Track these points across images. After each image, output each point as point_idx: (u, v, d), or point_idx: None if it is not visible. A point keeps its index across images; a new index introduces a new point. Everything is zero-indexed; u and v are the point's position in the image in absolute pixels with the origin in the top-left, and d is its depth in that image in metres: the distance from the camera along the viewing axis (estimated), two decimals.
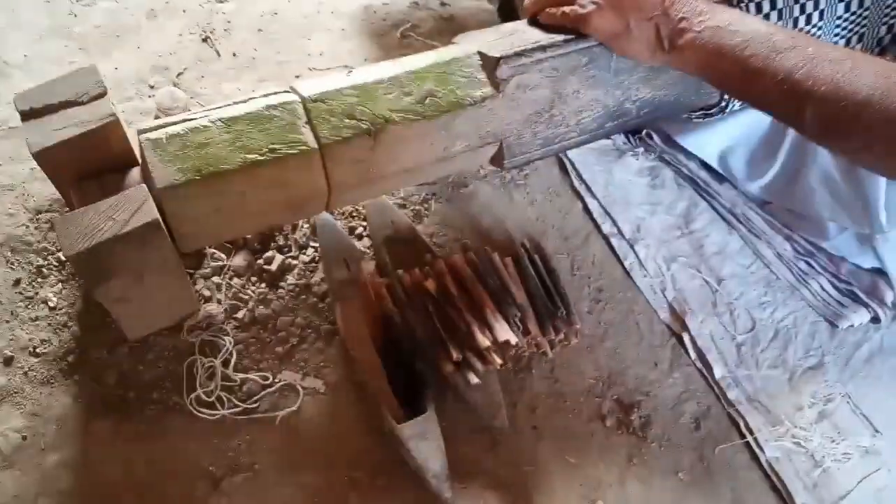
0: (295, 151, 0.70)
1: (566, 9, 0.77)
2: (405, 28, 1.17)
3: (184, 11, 1.13)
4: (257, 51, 1.10)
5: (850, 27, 0.92)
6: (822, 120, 0.64)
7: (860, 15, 0.91)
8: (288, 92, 0.74)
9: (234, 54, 1.09)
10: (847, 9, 0.90)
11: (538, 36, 0.80)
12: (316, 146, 0.71)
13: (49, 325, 0.80)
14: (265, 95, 0.74)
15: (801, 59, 0.65)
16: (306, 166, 0.72)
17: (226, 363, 0.80)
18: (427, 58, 0.79)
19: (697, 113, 0.98)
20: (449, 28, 1.18)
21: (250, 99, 0.73)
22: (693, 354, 0.92)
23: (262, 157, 0.69)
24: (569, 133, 0.86)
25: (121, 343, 0.79)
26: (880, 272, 0.98)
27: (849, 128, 0.63)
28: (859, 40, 0.94)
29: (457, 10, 1.23)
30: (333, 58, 1.11)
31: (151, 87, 1.02)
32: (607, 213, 1.01)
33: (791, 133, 1.00)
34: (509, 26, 0.85)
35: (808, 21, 0.89)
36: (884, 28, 0.94)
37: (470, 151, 0.80)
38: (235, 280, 0.85)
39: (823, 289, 0.98)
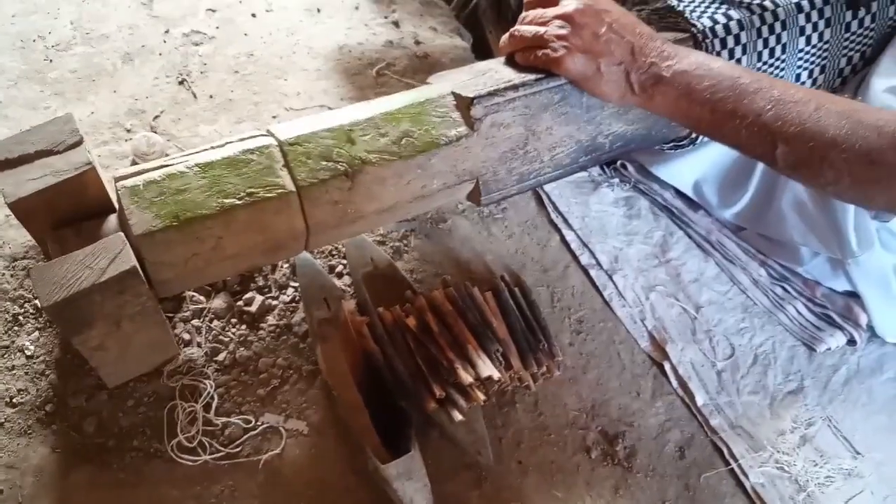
0: (272, 195, 0.71)
1: (539, 52, 0.78)
2: (381, 67, 1.19)
3: (159, 54, 1.14)
4: (234, 92, 1.11)
5: (811, 59, 0.95)
6: (791, 158, 0.67)
7: (821, 48, 0.94)
8: (265, 135, 0.75)
9: (211, 96, 1.10)
10: (808, 42, 0.93)
11: (511, 75, 0.82)
12: (293, 189, 0.71)
13: (26, 373, 0.79)
14: (242, 139, 0.75)
15: (768, 101, 0.67)
16: (284, 209, 0.72)
17: (207, 407, 0.79)
18: (402, 98, 0.80)
19: (669, 145, 1.00)
20: (424, 66, 1.20)
21: (227, 143, 0.74)
22: (675, 383, 0.93)
23: (239, 202, 0.70)
24: (544, 168, 0.88)
25: (100, 390, 0.78)
26: (854, 295, 1.00)
27: (818, 164, 0.66)
28: (821, 71, 0.97)
29: (431, 48, 1.25)
30: (310, 97, 1.12)
31: (128, 130, 1.02)
32: (585, 245, 1.03)
33: None
34: (482, 65, 0.87)
35: (771, 54, 0.92)
36: (844, 60, 0.98)
37: (447, 189, 0.81)
38: (215, 322, 0.85)
39: (799, 313, 1.00)
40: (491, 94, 0.79)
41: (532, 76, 0.81)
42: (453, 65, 1.20)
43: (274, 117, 1.08)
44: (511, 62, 0.84)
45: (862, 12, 0.94)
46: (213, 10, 1.23)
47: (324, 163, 0.73)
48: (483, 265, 0.98)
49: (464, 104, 0.79)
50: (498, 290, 0.90)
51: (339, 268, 0.93)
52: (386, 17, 1.28)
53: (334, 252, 0.95)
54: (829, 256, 1.01)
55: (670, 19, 0.91)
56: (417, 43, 1.25)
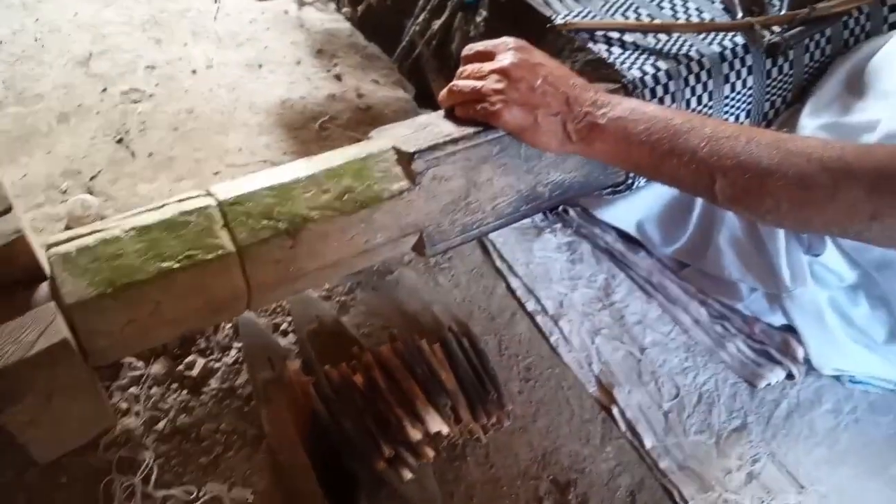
0: (212, 256, 0.69)
1: (477, 107, 0.80)
2: (323, 120, 1.20)
3: (97, 113, 1.12)
4: (174, 149, 1.10)
5: (737, 105, 0.99)
6: (730, 191, 0.70)
7: (745, 94, 0.99)
8: (204, 195, 0.74)
9: (150, 154, 1.08)
10: (733, 89, 0.98)
11: (451, 129, 0.83)
12: (234, 249, 0.71)
13: None
14: (180, 200, 0.74)
15: (702, 138, 0.71)
16: (224, 270, 0.71)
17: (146, 480, 0.76)
18: (344, 154, 0.81)
19: (607, 190, 1.03)
20: (366, 118, 1.21)
21: (165, 205, 0.73)
22: (623, 426, 0.93)
23: (177, 265, 0.68)
24: (486, 219, 0.89)
25: (31, 466, 0.74)
26: (791, 330, 1.03)
27: (756, 194, 0.69)
28: (747, 116, 1.02)
29: (373, 100, 1.26)
30: (252, 153, 1.12)
31: (63, 192, 1.00)
32: (530, 291, 1.04)
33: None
34: (423, 119, 0.88)
35: (698, 102, 0.96)
36: (767, 104, 1.03)
37: (391, 242, 0.81)
38: (155, 389, 0.82)
39: (740, 350, 1.02)
40: (431, 148, 0.80)
41: (471, 129, 0.83)
42: (396, 116, 1.21)
43: (215, 174, 1.07)
44: (451, 115, 0.86)
45: (781, 60, 0.99)
46: (153, 67, 1.23)
47: (265, 221, 0.73)
48: (431, 316, 0.98)
49: (405, 159, 0.80)
50: (446, 341, 0.90)
51: (284, 325, 0.92)
52: (328, 71, 1.29)
53: (278, 310, 0.93)
54: (765, 292, 1.04)
55: (602, 71, 0.95)
56: (360, 96, 1.26)
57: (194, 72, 1.23)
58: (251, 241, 0.71)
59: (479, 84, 0.80)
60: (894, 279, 0.93)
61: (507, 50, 0.80)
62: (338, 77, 1.28)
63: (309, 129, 1.18)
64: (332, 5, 1.44)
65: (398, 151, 0.81)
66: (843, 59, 1.02)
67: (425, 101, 1.31)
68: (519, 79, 0.78)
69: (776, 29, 0.98)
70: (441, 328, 0.95)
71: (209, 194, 0.74)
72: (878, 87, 0.90)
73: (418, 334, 0.91)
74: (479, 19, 1.75)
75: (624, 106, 0.76)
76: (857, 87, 0.95)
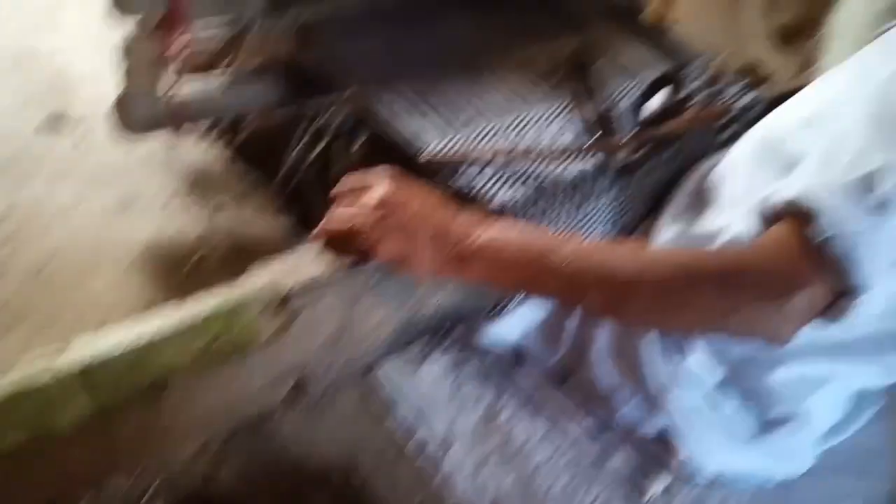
0: (70, 420, 0.64)
1: (345, 243, 0.81)
2: (197, 259, 1.17)
3: None
4: (33, 299, 1.03)
5: (600, 220, 1.07)
6: (600, 302, 0.76)
7: (606, 210, 1.07)
8: (61, 351, 0.69)
9: (6, 303, 1.01)
10: (594, 207, 1.05)
11: (326, 263, 0.84)
12: (92, 411, 0.66)
13: None
14: (33, 360, 0.69)
15: (568, 255, 0.75)
16: (83, 435, 0.66)
17: None
18: (214, 298, 0.78)
19: (488, 309, 1.05)
20: (242, 253, 1.19)
21: (14, 368, 0.67)
22: None
23: (27, 434, 0.63)
24: (368, 352, 0.88)
25: None
26: (671, 434, 1.06)
27: (622, 304, 0.74)
28: (611, 230, 1.09)
29: (251, 233, 1.25)
30: (118, 300, 1.06)
31: None
32: (417, 422, 1.02)
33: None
34: (298, 254, 0.88)
35: (564, 221, 1.02)
36: (627, 217, 1.11)
37: (269, 388, 0.79)
38: None
39: (624, 461, 1.04)
40: (307, 284, 0.80)
41: (347, 263, 0.84)
42: (275, 248, 1.20)
43: (78, 324, 1.01)
44: (327, 249, 0.86)
45: (634, 177, 1.08)
46: (13, 207, 1.17)
47: (128, 378, 0.69)
48: (314, 463, 0.93)
49: (279, 298, 0.79)
50: (333, 487, 0.86)
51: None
52: (203, 206, 1.28)
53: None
54: (644, 398, 1.07)
55: (471, 198, 0.99)
56: (236, 230, 1.25)
57: (58, 213, 1.18)
58: (114, 401, 0.67)
59: (353, 218, 0.81)
60: (759, 373, 0.99)
61: (380, 182, 0.83)
62: (213, 211, 1.26)
63: (182, 270, 1.15)
64: (208, 137, 1.44)
65: (272, 291, 0.80)
66: (691, 172, 1.13)
67: (307, 228, 1.31)
68: (392, 210, 0.80)
69: (627, 150, 1.08)
70: (326, 476, 0.90)
71: (67, 350, 0.69)
72: (722, 196, 0.99)
73: (304, 482, 0.86)
74: (357, 145, 1.82)
75: (494, 230, 0.80)
76: (705, 198, 1.04)
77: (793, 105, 0.97)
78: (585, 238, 1.04)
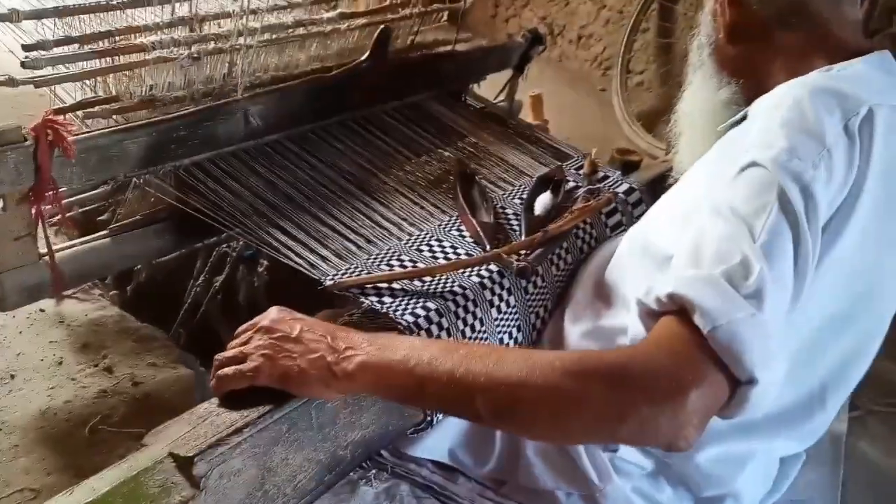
0: None
1: (233, 369, 0.79)
2: (95, 422, 1.09)
3: None
4: None
5: (507, 323, 1.07)
6: (490, 408, 0.72)
7: (511, 313, 1.08)
8: None
9: None
10: (499, 311, 1.06)
11: (233, 416, 0.80)
12: None
13: None
14: None
15: (457, 360, 0.73)
16: None
17: None
18: (113, 475, 0.72)
19: (410, 430, 1.03)
20: (145, 408, 1.13)
21: None
22: None
23: None
24: (288, 501, 0.83)
25: None
26: None
27: (512, 409, 0.72)
28: (518, 330, 1.10)
29: (152, 386, 1.19)
30: (6, 483, 0.97)
31: None
32: None
33: None
34: (203, 409, 0.83)
35: (472, 330, 1.03)
36: (533, 315, 1.12)
37: None
38: None
39: None
40: (214, 444, 0.75)
41: (255, 413, 0.80)
42: (178, 398, 1.14)
43: None
44: (230, 401, 0.83)
45: (532, 278, 1.11)
46: None
47: None
48: None
49: (185, 464, 0.74)
50: None
51: None
52: (97, 365, 1.21)
53: None
54: (580, 495, 1.06)
55: (378, 321, 0.99)
56: (135, 385, 1.18)
57: None
58: None
59: (241, 348, 0.81)
60: (684, 458, 1.00)
61: (267, 314, 0.84)
62: (108, 370, 1.19)
63: (78, 438, 1.06)
64: (97, 291, 1.38)
65: (175, 457, 0.74)
66: (585, 264, 1.17)
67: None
68: (277, 333, 0.81)
69: (522, 252, 1.11)
70: None
71: None
72: (619, 294, 1.02)
73: None
74: (261, 269, 1.79)
75: (381, 341, 0.79)
76: (603, 293, 1.07)
77: (662, 205, 1.03)
78: (486, 345, 1.04)
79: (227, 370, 0.80)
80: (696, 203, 0.85)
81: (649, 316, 0.72)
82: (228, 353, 0.81)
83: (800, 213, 0.72)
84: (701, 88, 1.03)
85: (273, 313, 0.84)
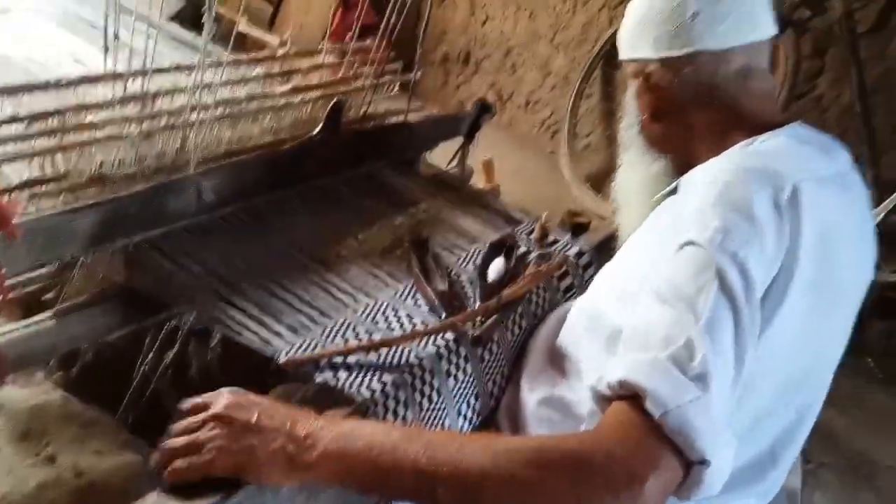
0: None
1: (187, 461, 0.75)
2: None
3: None
4: None
5: (464, 392, 1.07)
6: (453, 499, 0.70)
7: (468, 381, 1.08)
8: None
9: None
10: (456, 380, 1.06)
11: None
12: None
13: None
14: None
15: (420, 447, 0.72)
16: None
17: None
18: None
19: None
20: (90, 499, 1.07)
21: None
22: None
23: None
24: None
25: None
26: None
27: (477, 498, 0.70)
28: (476, 399, 1.10)
29: (97, 475, 1.13)
30: None
31: None
32: None
33: None
34: (151, 501, 0.80)
35: (429, 401, 1.03)
36: (490, 383, 1.13)
37: None
38: None
39: None
40: None
41: (206, 501, 0.77)
42: (126, 485, 1.09)
43: None
44: (179, 488, 0.79)
45: (488, 345, 1.11)
46: None
47: None
48: None
49: None
50: None
51: None
52: (37, 455, 1.15)
53: None
54: None
55: (334, 397, 0.97)
56: (79, 474, 1.13)
57: None
58: None
59: (192, 436, 0.77)
60: None
61: (220, 397, 0.80)
62: (50, 459, 1.13)
63: None
64: (39, 375, 1.32)
65: None
66: (539, 330, 1.18)
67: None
68: (233, 419, 0.77)
69: (478, 320, 1.12)
70: None
71: None
72: (573, 363, 1.04)
73: None
74: (213, 343, 1.75)
75: (343, 428, 0.76)
76: (557, 361, 1.08)
77: (606, 274, 1.06)
78: (444, 421, 1.03)
79: (181, 463, 0.76)
80: (638, 275, 0.88)
81: (603, 400, 0.73)
82: (179, 442, 0.77)
83: (737, 290, 0.75)
84: (634, 164, 1.09)
85: (226, 397, 0.79)
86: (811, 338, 0.89)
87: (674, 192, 0.99)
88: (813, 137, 0.95)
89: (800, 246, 0.82)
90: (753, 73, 0.96)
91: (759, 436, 0.91)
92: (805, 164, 0.89)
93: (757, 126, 0.94)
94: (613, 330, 0.90)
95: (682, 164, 1.00)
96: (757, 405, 0.87)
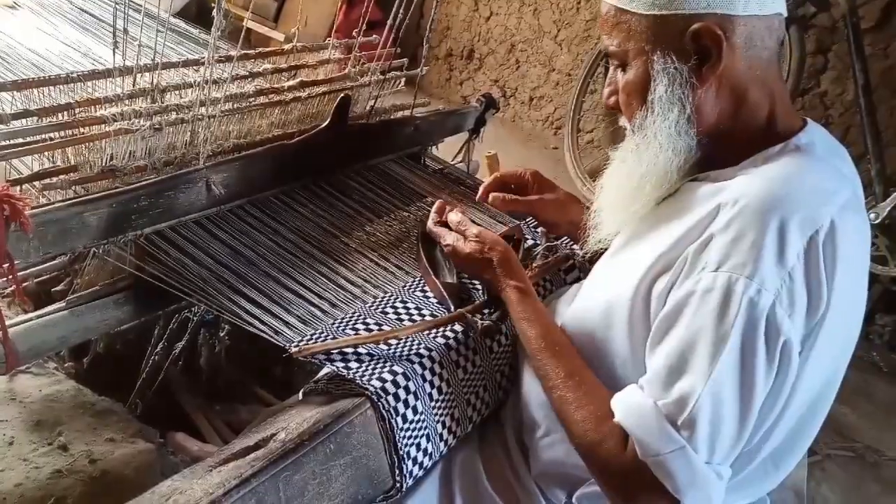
0: None
1: (454, 236, 1.14)
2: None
3: None
4: None
5: (473, 383, 1.08)
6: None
7: (476, 373, 1.09)
8: None
9: None
10: (465, 371, 1.06)
11: (197, 495, 0.78)
12: None
13: None
14: None
15: (559, 381, 0.93)
16: None
17: None
18: None
19: (380, 498, 1.01)
20: (103, 487, 1.08)
21: None
22: None
23: None
24: None
25: None
26: None
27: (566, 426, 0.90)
28: (485, 390, 1.10)
29: (110, 463, 1.14)
30: None
31: None
32: None
33: None
34: (165, 487, 0.81)
35: (439, 392, 1.03)
36: (498, 374, 1.13)
37: None
38: None
39: None
40: None
41: (220, 490, 0.78)
42: (139, 475, 1.10)
43: None
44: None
45: (497, 336, 1.12)
46: None
47: None
48: None
49: None
50: None
51: None
52: (50, 444, 1.16)
53: None
54: None
55: (345, 386, 0.98)
56: (92, 462, 1.14)
57: None
58: None
59: (462, 230, 1.16)
60: None
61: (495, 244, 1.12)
62: (63, 448, 1.14)
63: None
64: (51, 364, 1.33)
65: None
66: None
67: (177, 424, 1.22)
68: (484, 242, 1.11)
69: (486, 311, 1.12)
70: None
71: None
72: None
73: None
74: (222, 333, 1.76)
75: (529, 312, 1.03)
76: None
77: (591, 284, 1.05)
78: (454, 412, 1.05)
79: (451, 238, 1.15)
80: (638, 275, 0.89)
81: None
82: (455, 224, 1.18)
83: (759, 350, 0.78)
84: (627, 160, 0.97)
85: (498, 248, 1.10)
86: (837, 358, 0.92)
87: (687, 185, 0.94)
88: (829, 146, 0.93)
89: (833, 289, 0.82)
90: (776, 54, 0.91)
91: (759, 447, 0.92)
92: (831, 191, 0.86)
93: (775, 118, 0.90)
94: (612, 323, 0.92)
95: (705, 154, 0.92)
96: (786, 427, 0.90)
